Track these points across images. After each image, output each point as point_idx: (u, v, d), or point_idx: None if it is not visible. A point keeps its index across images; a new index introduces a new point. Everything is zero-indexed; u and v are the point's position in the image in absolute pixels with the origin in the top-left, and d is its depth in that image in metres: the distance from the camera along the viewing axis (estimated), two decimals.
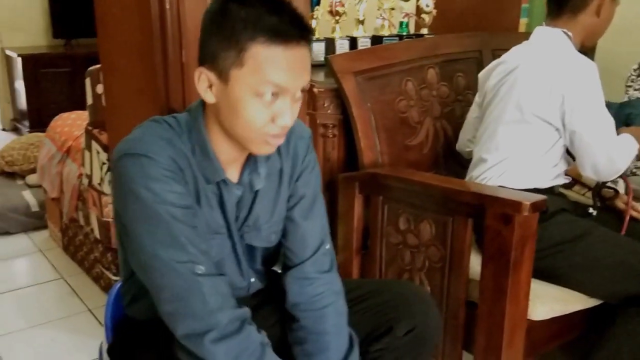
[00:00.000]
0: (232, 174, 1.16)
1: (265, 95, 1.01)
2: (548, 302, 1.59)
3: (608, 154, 1.64)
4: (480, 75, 1.91)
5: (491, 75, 1.81)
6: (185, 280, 1.04)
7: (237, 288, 1.21)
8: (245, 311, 1.11)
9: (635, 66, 2.38)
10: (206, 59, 1.04)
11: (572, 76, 1.64)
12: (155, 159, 1.03)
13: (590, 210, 1.78)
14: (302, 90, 1.06)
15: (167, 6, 1.57)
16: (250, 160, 1.16)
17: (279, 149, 1.17)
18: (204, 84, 1.05)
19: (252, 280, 1.26)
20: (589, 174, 1.69)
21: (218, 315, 1.05)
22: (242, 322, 1.08)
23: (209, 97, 1.05)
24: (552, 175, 1.72)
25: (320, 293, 1.23)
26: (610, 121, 1.66)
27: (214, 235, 1.15)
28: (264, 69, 0.99)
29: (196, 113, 1.11)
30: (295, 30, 1.01)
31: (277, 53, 0.99)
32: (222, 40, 1.01)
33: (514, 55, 1.77)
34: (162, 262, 1.04)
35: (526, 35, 1.81)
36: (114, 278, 2.40)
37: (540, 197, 1.45)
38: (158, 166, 1.03)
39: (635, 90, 2.35)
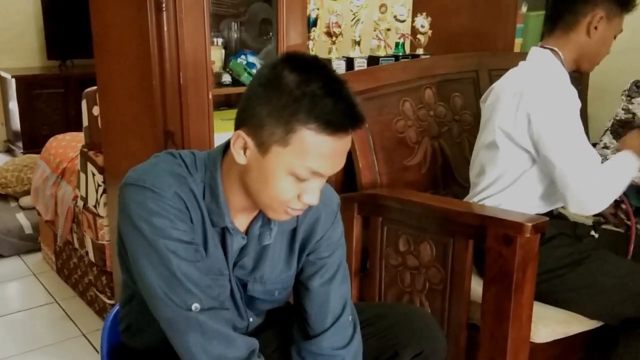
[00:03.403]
0: (241, 221, 1.13)
1: (299, 177, 1.00)
2: (550, 324, 1.57)
3: (590, 186, 1.54)
4: (481, 100, 1.90)
5: (487, 98, 1.81)
6: (180, 316, 1.03)
7: (236, 328, 1.19)
8: (254, 342, 1.09)
9: (630, 81, 2.41)
10: (249, 124, 1.00)
11: (541, 95, 1.58)
12: (159, 194, 1.01)
13: (592, 232, 1.76)
14: None
15: (165, 28, 1.57)
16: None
17: None
18: (240, 145, 1.02)
19: (251, 320, 1.24)
20: (575, 210, 1.59)
21: (222, 345, 1.04)
22: (251, 352, 1.07)
23: (241, 159, 1.02)
24: (550, 201, 1.70)
25: None
26: (588, 149, 1.57)
27: (217, 276, 1.13)
28: (308, 155, 0.97)
29: (215, 157, 1.09)
30: (348, 121, 0.98)
31: (325, 142, 0.97)
32: (271, 114, 0.97)
33: (505, 78, 1.75)
34: (158, 296, 1.03)
35: (522, 56, 1.81)
36: (109, 302, 2.37)
37: (542, 218, 1.44)
38: (161, 201, 1.01)
39: (627, 102, 2.38)
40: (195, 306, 1.03)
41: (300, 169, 0.99)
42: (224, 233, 1.11)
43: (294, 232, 1.18)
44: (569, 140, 1.57)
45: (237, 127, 1.03)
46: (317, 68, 0.99)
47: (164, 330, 1.06)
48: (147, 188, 1.01)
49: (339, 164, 1.02)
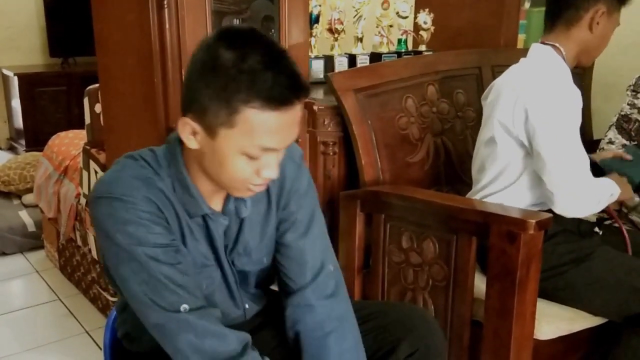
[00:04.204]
0: (216, 203, 1.12)
1: (252, 156, 0.98)
2: (554, 321, 1.57)
3: (572, 189, 1.55)
4: (482, 97, 1.89)
5: (488, 95, 1.80)
6: (170, 319, 1.02)
7: (231, 318, 1.18)
8: (247, 336, 1.09)
9: (636, 76, 2.40)
10: (193, 109, 0.98)
11: (540, 91, 1.58)
12: (129, 202, 1.00)
13: (596, 229, 1.75)
14: None
15: (167, 25, 1.56)
16: None
17: None
18: (188, 131, 0.99)
19: (247, 306, 1.23)
20: (559, 210, 1.57)
21: (214, 343, 1.04)
22: (244, 346, 1.06)
23: (192, 144, 1.00)
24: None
25: (320, 321, 1.17)
26: (581, 155, 1.56)
27: (202, 268, 1.12)
28: (255, 133, 0.95)
29: (174, 147, 1.07)
30: (291, 93, 0.95)
31: (270, 118, 0.94)
32: (212, 97, 0.94)
33: (506, 74, 1.74)
34: (145, 304, 1.03)
35: (525, 52, 1.80)
36: (112, 299, 2.37)
37: (545, 215, 1.44)
38: (133, 208, 1.00)
39: (632, 97, 2.37)
40: (184, 307, 1.02)
41: (251, 148, 0.97)
42: (205, 223, 1.10)
43: (267, 194, 1.16)
44: (563, 140, 1.56)
45: (183, 114, 1.01)
46: (253, 41, 0.96)
47: (155, 336, 1.05)
48: (116, 198, 1.00)
49: (290, 136, 1.00)
